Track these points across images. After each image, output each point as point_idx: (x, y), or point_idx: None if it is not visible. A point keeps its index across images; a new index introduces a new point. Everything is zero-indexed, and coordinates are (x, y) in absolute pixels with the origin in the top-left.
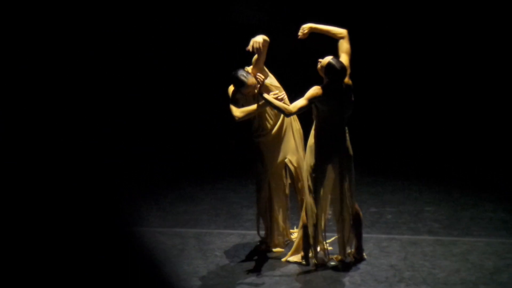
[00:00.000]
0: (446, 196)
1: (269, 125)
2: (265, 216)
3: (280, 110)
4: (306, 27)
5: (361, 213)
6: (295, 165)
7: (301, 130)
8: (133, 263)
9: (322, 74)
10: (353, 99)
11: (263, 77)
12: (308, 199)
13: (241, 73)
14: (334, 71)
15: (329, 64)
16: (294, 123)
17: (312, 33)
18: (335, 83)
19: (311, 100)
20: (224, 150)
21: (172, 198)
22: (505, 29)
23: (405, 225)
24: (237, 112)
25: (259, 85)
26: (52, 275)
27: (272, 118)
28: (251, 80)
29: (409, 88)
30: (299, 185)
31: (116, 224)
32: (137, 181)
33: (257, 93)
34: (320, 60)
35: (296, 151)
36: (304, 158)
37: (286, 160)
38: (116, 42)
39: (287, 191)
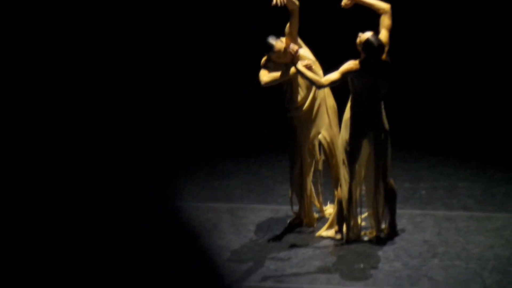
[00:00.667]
0: (480, 172)
1: (300, 98)
2: (298, 191)
3: (311, 82)
4: None
5: (395, 189)
6: (329, 141)
7: (335, 106)
8: (168, 238)
9: (359, 49)
10: (389, 76)
11: (296, 47)
12: (343, 174)
13: (271, 37)
14: (372, 48)
15: (367, 40)
16: (328, 99)
17: (355, 5)
18: (371, 60)
19: (345, 75)
20: (258, 125)
21: (205, 173)
22: None
23: (439, 200)
24: (264, 76)
25: (291, 55)
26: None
27: (304, 91)
28: (279, 45)
29: (447, 63)
30: (333, 161)
31: (149, 201)
32: (171, 157)
33: (290, 62)
34: (360, 34)
35: (330, 127)
36: (338, 134)
37: (320, 136)
38: (116, 42)
39: (320, 167)
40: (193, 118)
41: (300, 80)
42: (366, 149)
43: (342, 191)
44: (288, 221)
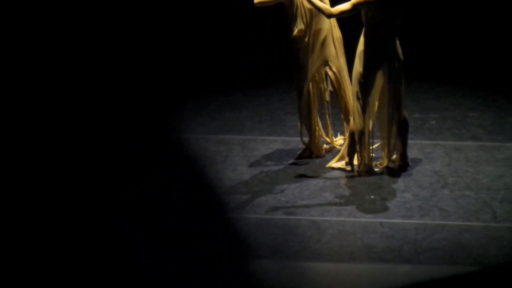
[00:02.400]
0: (490, 102)
1: (303, 27)
2: (307, 122)
3: (320, 10)
4: None
5: (408, 119)
6: (335, 71)
7: (341, 38)
8: (179, 170)
9: None
10: (404, 7)
11: None
12: (356, 105)
13: None
14: None
15: None
16: (335, 30)
17: None
18: None
19: (357, 6)
20: (266, 56)
21: (215, 105)
22: None
23: (449, 130)
24: None
25: None
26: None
27: (308, 20)
28: None
29: None
30: (341, 92)
31: (160, 132)
32: (179, 88)
33: None
34: None
35: (337, 58)
36: (344, 65)
37: (326, 67)
38: (116, 42)
39: (327, 98)
40: (202, 48)
41: (304, 9)
42: (379, 80)
43: (355, 123)
44: (299, 152)
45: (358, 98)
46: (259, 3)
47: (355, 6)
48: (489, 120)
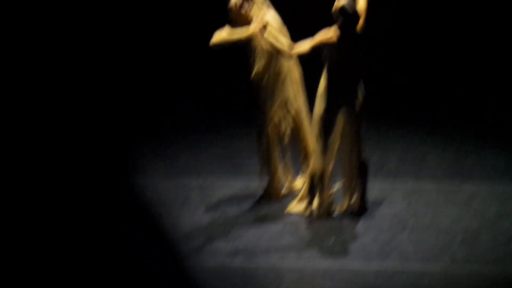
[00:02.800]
0: (448, 143)
1: (261, 68)
2: (267, 165)
3: (280, 51)
4: None
5: (367, 162)
6: (294, 113)
7: (301, 78)
8: (136, 214)
9: (334, 16)
10: (365, 47)
11: (266, 19)
12: (316, 147)
13: None
14: (346, 15)
15: (342, 8)
16: (294, 71)
17: None
18: (346, 29)
19: (315, 47)
20: (227, 97)
21: (175, 148)
22: None
23: (408, 172)
24: (216, 37)
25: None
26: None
27: (266, 61)
28: (233, 2)
29: (413, 33)
30: (300, 134)
31: (119, 176)
32: (139, 130)
33: (246, 24)
34: (336, 1)
35: (296, 99)
36: (304, 107)
37: (286, 108)
38: (116, 42)
39: (287, 139)
40: (159, 90)
41: (263, 50)
42: (340, 122)
43: (315, 165)
44: (258, 196)
45: (318, 139)
46: (215, 45)
47: (313, 46)
48: (448, 161)
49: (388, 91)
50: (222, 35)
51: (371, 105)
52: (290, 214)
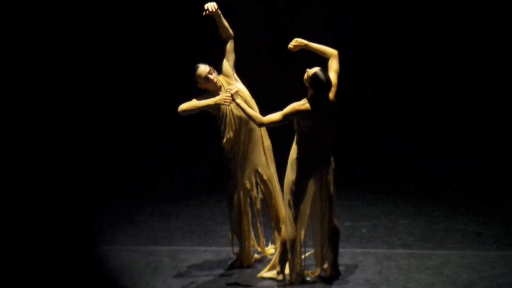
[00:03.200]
0: (420, 209)
1: (232, 136)
2: (238, 232)
3: (251, 118)
4: (299, 41)
5: (339, 228)
6: (266, 180)
7: (271, 146)
8: (106, 282)
9: (307, 84)
10: (336, 116)
11: (236, 87)
12: (288, 213)
13: (200, 64)
14: (319, 82)
15: (314, 74)
16: (265, 139)
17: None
18: (319, 96)
19: (287, 116)
20: (197, 165)
21: (145, 215)
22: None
23: (380, 238)
24: (184, 104)
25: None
26: None
27: (236, 129)
28: (201, 70)
29: (385, 99)
30: (271, 200)
31: (89, 244)
32: (110, 198)
33: (215, 91)
34: (307, 70)
35: (267, 166)
36: (275, 174)
37: (256, 176)
38: (116, 42)
39: (258, 206)
40: (131, 160)
41: (233, 118)
42: (311, 188)
43: (287, 232)
44: (229, 262)
45: (290, 207)
46: (183, 111)
47: (286, 116)
48: (419, 228)
49: (360, 157)
50: (190, 102)
51: (343, 171)
52: (262, 280)
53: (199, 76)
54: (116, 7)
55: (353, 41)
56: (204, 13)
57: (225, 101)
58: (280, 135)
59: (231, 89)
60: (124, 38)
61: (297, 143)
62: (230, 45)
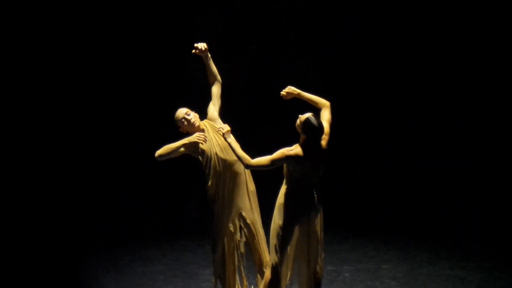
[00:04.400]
0: (403, 254)
1: (216, 177)
2: (222, 275)
3: (239, 158)
4: (292, 89)
5: (319, 272)
6: (250, 223)
7: (255, 191)
8: None
9: (299, 130)
10: (326, 163)
11: (227, 126)
12: (273, 258)
13: (180, 108)
14: (312, 128)
15: (307, 120)
16: (249, 184)
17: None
18: (311, 142)
19: (275, 161)
20: (181, 209)
21: (128, 260)
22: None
23: (362, 283)
24: (160, 150)
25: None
26: None
27: (221, 169)
28: (178, 112)
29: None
30: (255, 244)
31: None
32: (92, 242)
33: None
34: (299, 115)
35: (251, 210)
36: (259, 218)
37: (240, 220)
38: (116, 42)
39: (242, 249)
40: (115, 203)
41: (218, 161)
42: (298, 233)
43: (272, 275)
44: None
45: (275, 251)
46: (159, 156)
47: (274, 161)
48: (402, 272)
49: (343, 201)
50: (165, 146)
51: (326, 215)
52: None
53: (177, 119)
54: (116, 8)
55: (353, 41)
56: (193, 50)
57: (199, 139)
58: (265, 179)
59: (223, 128)
60: (124, 39)
61: (286, 188)
62: (217, 90)
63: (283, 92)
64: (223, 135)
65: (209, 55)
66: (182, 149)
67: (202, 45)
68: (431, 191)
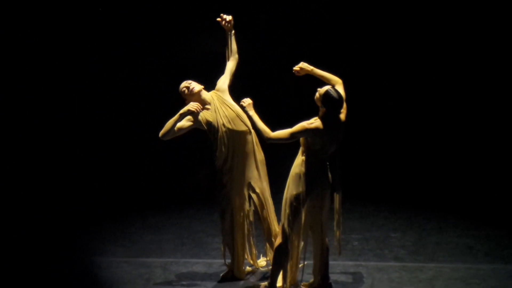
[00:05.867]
0: (411, 222)
1: (224, 148)
2: (230, 244)
3: (259, 132)
4: (305, 66)
5: (327, 241)
6: (259, 192)
7: (264, 160)
8: None
9: (319, 103)
10: (343, 132)
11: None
12: (285, 227)
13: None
14: (332, 99)
15: (326, 92)
16: (258, 153)
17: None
18: (332, 114)
19: (295, 134)
20: (189, 178)
21: (137, 228)
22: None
23: (371, 251)
24: (163, 128)
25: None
26: None
27: (229, 141)
28: (182, 84)
29: (377, 113)
30: (264, 213)
31: (81, 255)
32: (102, 211)
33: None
34: (318, 89)
35: (259, 180)
36: (267, 187)
37: (249, 189)
38: (114, 44)
39: (251, 218)
40: (124, 172)
41: (226, 132)
42: (311, 203)
43: (282, 244)
44: (221, 274)
45: (288, 220)
46: (163, 135)
47: (294, 134)
48: (410, 241)
49: (352, 170)
50: (168, 123)
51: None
52: None
53: (180, 90)
54: (113, 9)
55: (353, 42)
56: (218, 19)
57: (192, 107)
58: (273, 149)
59: (244, 102)
60: (123, 38)
61: (305, 159)
62: (232, 66)
63: (296, 68)
64: (244, 108)
65: (233, 31)
66: (188, 123)
67: (228, 16)
68: (439, 159)
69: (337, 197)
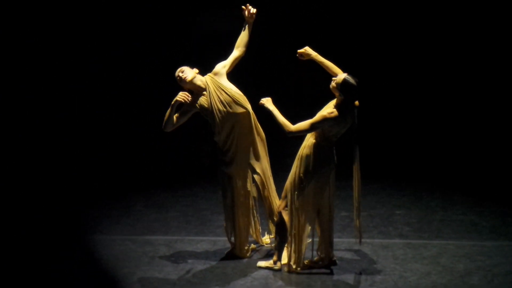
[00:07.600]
0: (416, 199)
1: (224, 130)
2: (232, 222)
3: (281, 126)
4: (309, 51)
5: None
6: (260, 172)
7: (265, 140)
8: (104, 271)
9: (335, 92)
10: (355, 118)
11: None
12: (290, 207)
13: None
14: (351, 87)
15: (346, 81)
16: (258, 133)
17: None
18: (350, 102)
19: (315, 125)
20: (194, 156)
21: (142, 206)
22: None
23: (376, 229)
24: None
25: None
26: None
27: (228, 122)
28: (176, 72)
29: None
30: (265, 192)
31: (86, 233)
32: (107, 189)
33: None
34: (333, 78)
35: (260, 158)
36: (268, 166)
37: (250, 168)
38: (113, 44)
39: (254, 193)
40: (128, 149)
41: (218, 114)
42: (316, 183)
43: (284, 221)
44: (226, 252)
45: (291, 199)
46: (164, 127)
47: (314, 125)
48: (415, 218)
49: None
50: (167, 113)
51: (339, 161)
52: (258, 269)
53: (177, 79)
54: (112, 9)
55: (353, 41)
56: (243, 6)
57: (179, 97)
58: (274, 128)
59: (263, 100)
60: (123, 38)
61: (315, 142)
62: (236, 55)
63: (300, 51)
64: (264, 105)
65: (252, 22)
66: (185, 112)
67: (253, 10)
68: (444, 136)
69: (356, 176)
